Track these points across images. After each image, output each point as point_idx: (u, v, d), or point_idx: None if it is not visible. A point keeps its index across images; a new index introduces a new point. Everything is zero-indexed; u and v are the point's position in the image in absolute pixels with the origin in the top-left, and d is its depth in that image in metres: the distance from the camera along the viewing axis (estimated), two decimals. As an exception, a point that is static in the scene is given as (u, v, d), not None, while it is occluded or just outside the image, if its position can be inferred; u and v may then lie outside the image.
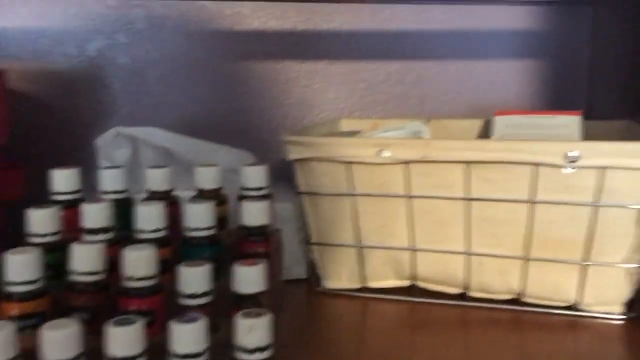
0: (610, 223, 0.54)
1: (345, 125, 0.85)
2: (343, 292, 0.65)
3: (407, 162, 0.57)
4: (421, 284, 0.64)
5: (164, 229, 0.47)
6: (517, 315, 0.59)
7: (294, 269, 0.67)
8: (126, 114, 0.86)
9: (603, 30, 0.87)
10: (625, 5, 0.83)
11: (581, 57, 0.89)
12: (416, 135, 0.80)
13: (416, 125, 0.81)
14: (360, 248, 0.62)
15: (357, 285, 0.64)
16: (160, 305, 0.40)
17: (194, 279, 0.39)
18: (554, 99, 0.90)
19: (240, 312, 0.34)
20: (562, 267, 0.57)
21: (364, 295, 0.64)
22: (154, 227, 0.46)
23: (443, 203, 0.58)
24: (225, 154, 0.71)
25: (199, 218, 0.48)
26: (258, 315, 0.34)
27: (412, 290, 0.63)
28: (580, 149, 0.52)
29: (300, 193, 0.63)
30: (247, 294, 0.41)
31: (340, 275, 0.65)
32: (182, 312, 0.35)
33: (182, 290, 0.40)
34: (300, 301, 0.65)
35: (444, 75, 0.88)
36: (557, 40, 0.88)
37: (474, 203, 0.57)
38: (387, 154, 0.57)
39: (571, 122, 0.69)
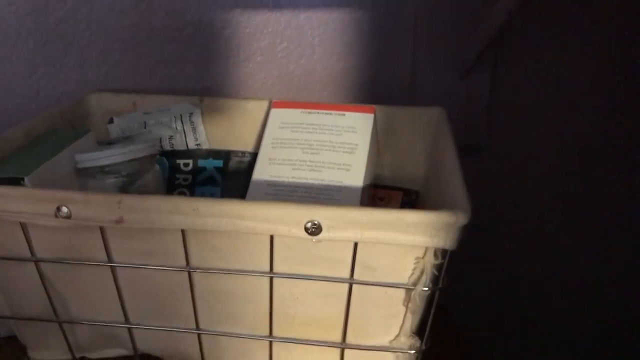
0: (372, 302, 0.41)
1: (96, 102, 0.65)
2: (54, 366, 0.49)
3: (95, 226, 0.40)
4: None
5: None
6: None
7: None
8: None
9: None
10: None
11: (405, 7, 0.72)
12: (183, 120, 0.61)
13: (184, 106, 0.63)
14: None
15: (69, 358, 0.49)
16: None
17: None
18: (375, 55, 0.73)
19: None
20: (315, 350, 0.44)
21: (82, 369, 0.49)
22: None
23: (158, 274, 0.42)
24: None
25: None
26: None
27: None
28: (324, 218, 0.37)
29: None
30: None
31: (47, 345, 0.49)
32: None
33: None
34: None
35: (231, 28, 0.68)
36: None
37: (200, 275, 0.42)
38: (66, 211, 0.39)
39: (362, 122, 0.54)
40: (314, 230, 0.37)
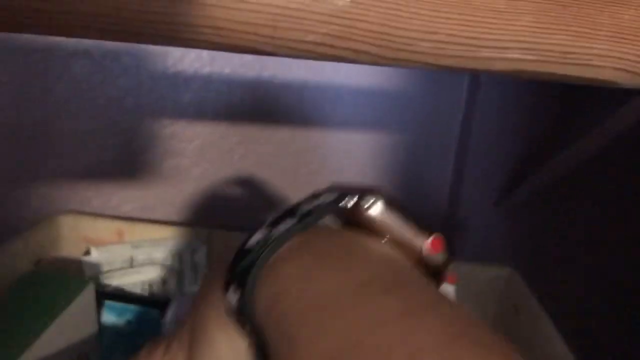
0: None
1: (69, 225, 0.49)
2: None
3: None
4: None
5: None
6: None
7: None
8: None
9: (480, 102, 0.61)
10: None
11: (450, 131, 0.62)
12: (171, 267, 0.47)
13: (186, 241, 0.49)
14: None
15: None
16: None
17: None
18: (410, 183, 0.63)
19: None
20: None
21: None
22: None
23: None
24: None
25: None
26: None
27: None
28: None
29: None
30: None
31: None
32: None
33: None
34: None
35: (246, 143, 0.55)
36: (422, 107, 0.60)
37: None
38: None
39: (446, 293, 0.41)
40: None
